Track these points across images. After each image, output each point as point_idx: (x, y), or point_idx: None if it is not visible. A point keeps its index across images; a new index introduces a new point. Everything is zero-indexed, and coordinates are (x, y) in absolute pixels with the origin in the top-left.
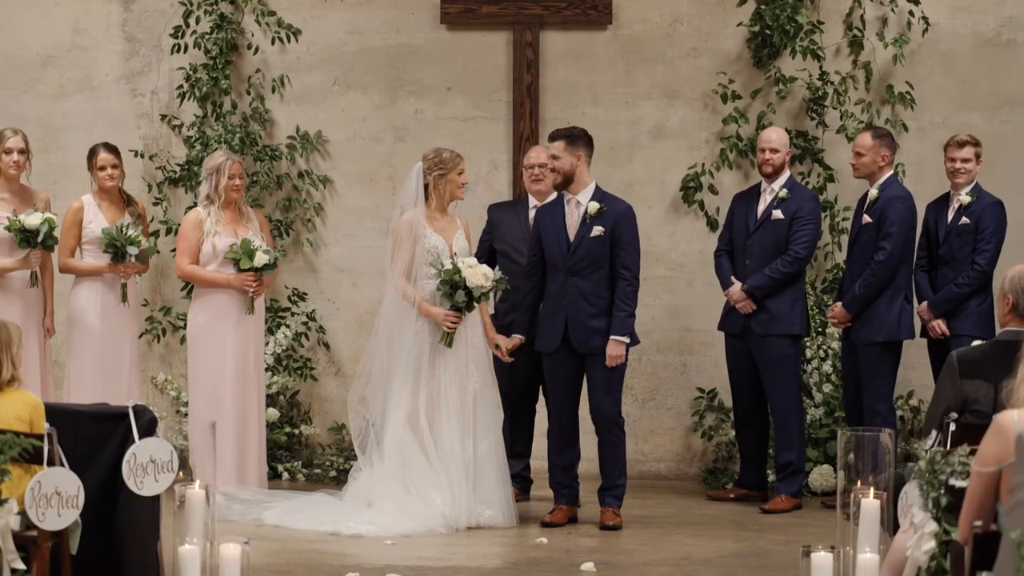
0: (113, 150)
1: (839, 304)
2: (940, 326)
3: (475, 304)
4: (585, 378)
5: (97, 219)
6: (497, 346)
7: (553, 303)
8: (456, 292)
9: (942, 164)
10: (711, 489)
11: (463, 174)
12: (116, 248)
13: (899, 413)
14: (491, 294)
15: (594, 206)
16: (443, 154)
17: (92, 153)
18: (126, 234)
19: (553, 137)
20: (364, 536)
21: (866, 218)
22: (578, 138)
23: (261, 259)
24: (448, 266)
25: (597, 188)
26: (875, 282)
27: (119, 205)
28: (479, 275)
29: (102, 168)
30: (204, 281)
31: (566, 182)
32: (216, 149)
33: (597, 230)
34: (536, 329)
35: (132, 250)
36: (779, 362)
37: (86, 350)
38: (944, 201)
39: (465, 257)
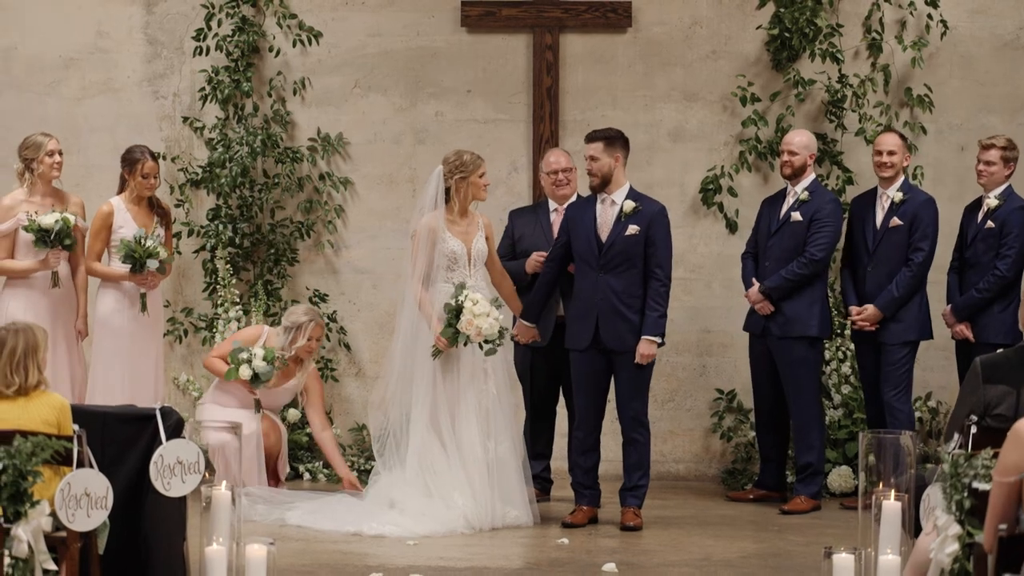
0: (155, 157)
1: (871, 306)
2: (964, 331)
3: (464, 344)
4: (612, 378)
5: (128, 224)
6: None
7: (584, 301)
8: (447, 327)
9: (959, 167)
10: (730, 490)
11: (485, 176)
12: (135, 260)
13: (917, 414)
14: (479, 345)
15: (629, 204)
16: (464, 156)
17: (135, 159)
18: (144, 246)
19: (591, 138)
20: (386, 537)
21: (895, 220)
22: (615, 139)
23: (245, 372)
24: (453, 303)
25: (631, 188)
26: (914, 284)
27: (149, 211)
28: (474, 326)
29: (146, 176)
30: (218, 373)
31: (604, 183)
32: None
33: (632, 229)
34: (549, 328)
35: (151, 263)
36: (797, 364)
37: (112, 353)
38: (977, 204)
39: (486, 300)
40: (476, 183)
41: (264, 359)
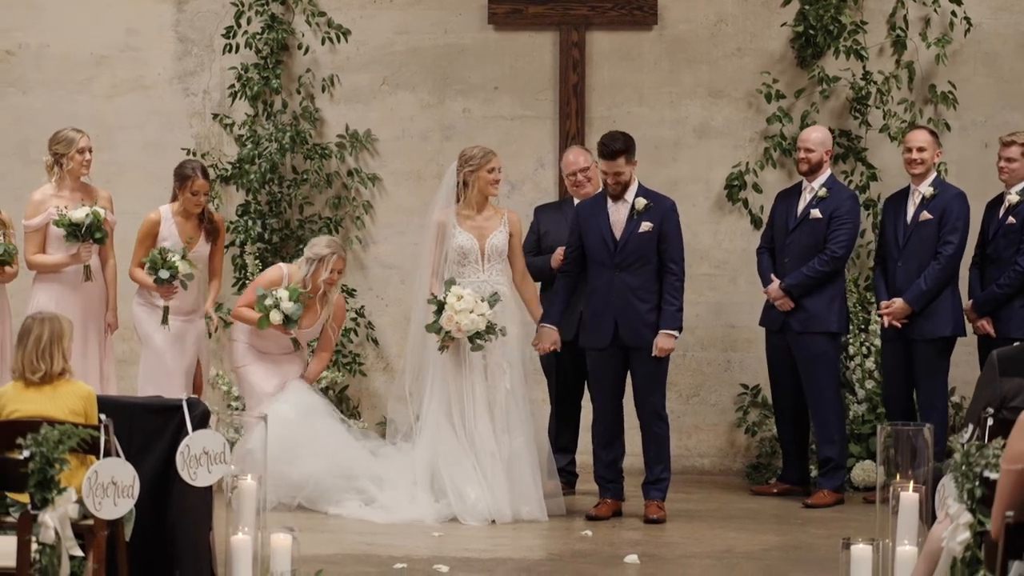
0: (208, 175)
1: (899, 300)
2: (985, 326)
3: (448, 338)
4: (629, 373)
5: (171, 237)
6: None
7: (600, 300)
8: (432, 323)
9: (983, 163)
10: (754, 484)
11: (494, 171)
12: (155, 271)
13: None
14: (468, 340)
15: (641, 202)
16: (473, 151)
17: (186, 176)
18: (163, 258)
19: (612, 155)
20: (344, 518)
21: (925, 214)
22: (632, 148)
23: (276, 317)
24: (435, 297)
25: (640, 185)
26: (943, 276)
27: (197, 224)
28: (454, 321)
29: (196, 193)
30: (250, 322)
31: (624, 190)
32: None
33: (645, 226)
34: (574, 323)
35: (163, 274)
36: (817, 359)
37: (154, 363)
38: (998, 200)
39: (474, 296)
40: (483, 177)
41: (290, 299)
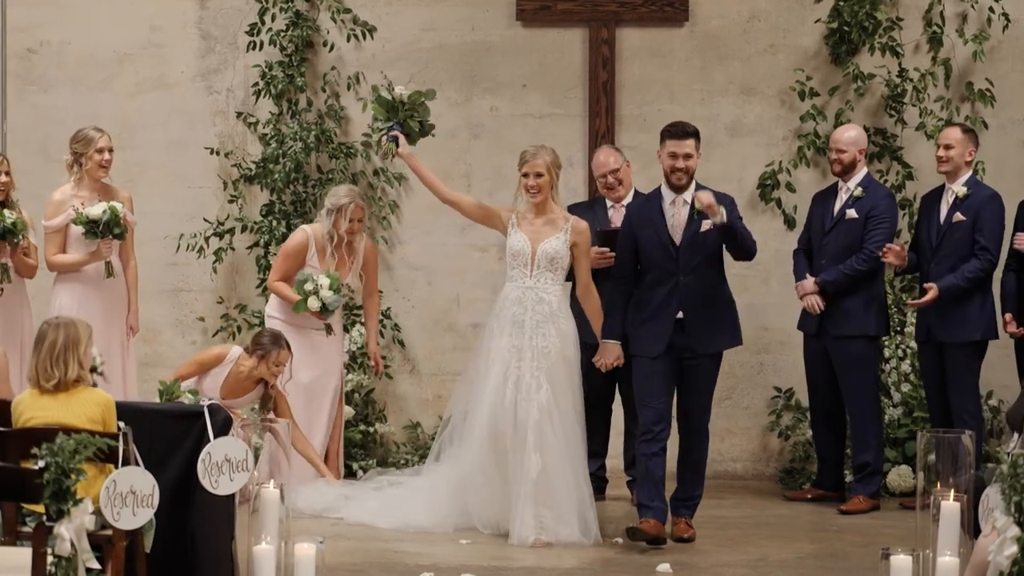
0: (289, 346)
1: (933, 287)
2: (1018, 330)
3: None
4: (682, 384)
5: (216, 372)
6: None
7: (660, 307)
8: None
9: (1021, 162)
10: (788, 489)
11: (528, 176)
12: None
13: None
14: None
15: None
16: (527, 149)
17: (267, 351)
18: (171, 388)
19: (684, 135)
20: (367, 525)
21: (958, 215)
22: (699, 139)
23: (314, 304)
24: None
25: (697, 183)
26: (979, 278)
27: (255, 383)
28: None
29: (278, 364)
30: (286, 299)
31: (690, 181)
32: (339, 185)
33: (707, 224)
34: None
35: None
36: (855, 363)
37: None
38: None
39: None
40: (521, 179)
41: (331, 287)
